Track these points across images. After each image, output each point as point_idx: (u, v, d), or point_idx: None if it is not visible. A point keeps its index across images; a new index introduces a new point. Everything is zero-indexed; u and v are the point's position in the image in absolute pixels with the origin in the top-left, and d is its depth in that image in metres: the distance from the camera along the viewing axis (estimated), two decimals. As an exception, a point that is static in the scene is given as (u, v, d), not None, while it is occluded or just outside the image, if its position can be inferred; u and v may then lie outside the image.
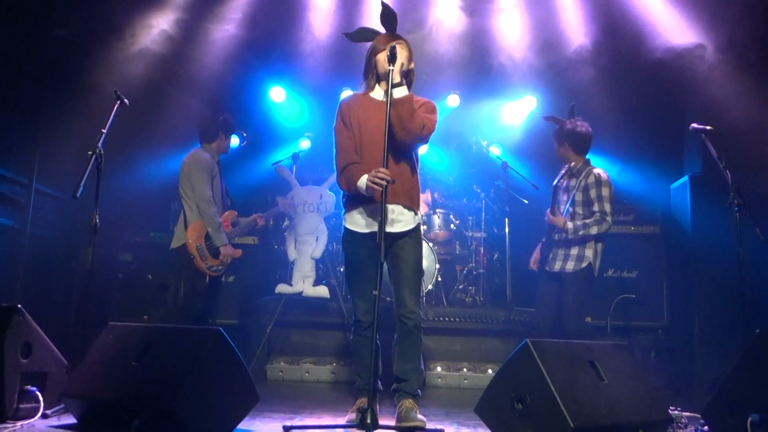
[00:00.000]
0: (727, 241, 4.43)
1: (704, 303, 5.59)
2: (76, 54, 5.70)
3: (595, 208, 4.64)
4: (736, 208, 4.05)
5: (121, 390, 3.09)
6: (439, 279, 6.35)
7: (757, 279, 5.00)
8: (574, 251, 4.70)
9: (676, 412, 4.17)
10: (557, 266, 4.75)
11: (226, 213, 5.30)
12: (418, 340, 3.63)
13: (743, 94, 5.25)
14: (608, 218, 4.62)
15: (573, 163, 4.85)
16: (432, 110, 3.69)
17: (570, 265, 4.69)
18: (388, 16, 3.70)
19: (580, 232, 4.64)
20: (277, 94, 7.16)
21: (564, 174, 4.83)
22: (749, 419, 3.03)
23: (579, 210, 4.75)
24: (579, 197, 4.75)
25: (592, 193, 4.67)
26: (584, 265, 4.67)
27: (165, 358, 3.12)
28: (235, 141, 7.04)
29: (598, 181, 4.67)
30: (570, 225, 4.66)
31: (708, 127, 4.28)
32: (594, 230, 4.61)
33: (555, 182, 4.86)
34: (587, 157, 4.90)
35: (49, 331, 3.56)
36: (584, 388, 3.00)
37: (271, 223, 6.07)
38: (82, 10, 5.44)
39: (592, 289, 4.78)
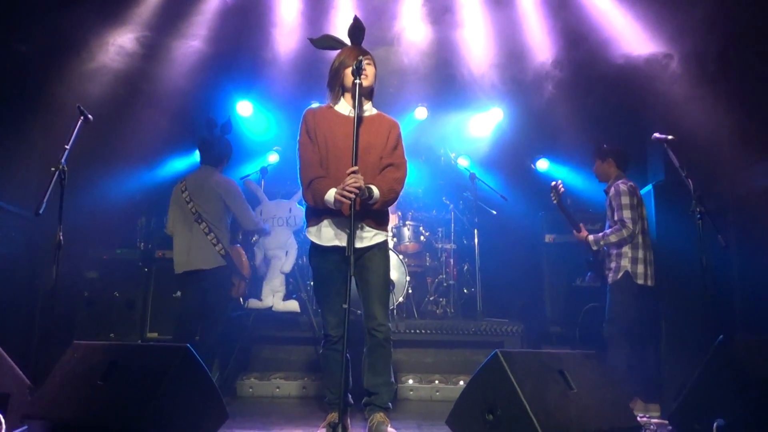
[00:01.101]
0: (690, 247, 4.50)
1: (670, 309, 5.66)
2: (37, 69, 5.63)
3: (615, 217, 4.88)
4: (699, 216, 4.13)
5: (87, 410, 3.01)
6: (410, 291, 6.35)
7: (720, 284, 5.11)
8: (612, 263, 4.96)
9: (644, 418, 4.23)
10: (610, 279, 4.99)
11: None
12: (388, 352, 3.62)
13: (702, 105, 5.37)
14: (628, 225, 4.82)
15: (610, 180, 5.09)
16: (399, 162, 3.69)
17: (610, 277, 4.95)
18: (357, 29, 3.71)
19: (601, 243, 4.94)
20: (244, 108, 7.14)
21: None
22: (715, 424, 3.08)
23: (610, 224, 5.01)
24: (608, 212, 5.03)
25: (614, 204, 4.91)
26: (621, 275, 4.88)
27: (131, 376, 3.06)
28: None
29: (617, 191, 4.91)
30: (591, 237, 5.00)
31: (669, 137, 4.37)
32: (613, 238, 4.87)
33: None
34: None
35: (11, 350, 3.49)
36: (554, 398, 3.02)
37: None
38: (44, 25, 5.36)
39: (631, 296, 4.91)
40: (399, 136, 3.73)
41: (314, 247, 3.68)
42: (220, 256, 4.97)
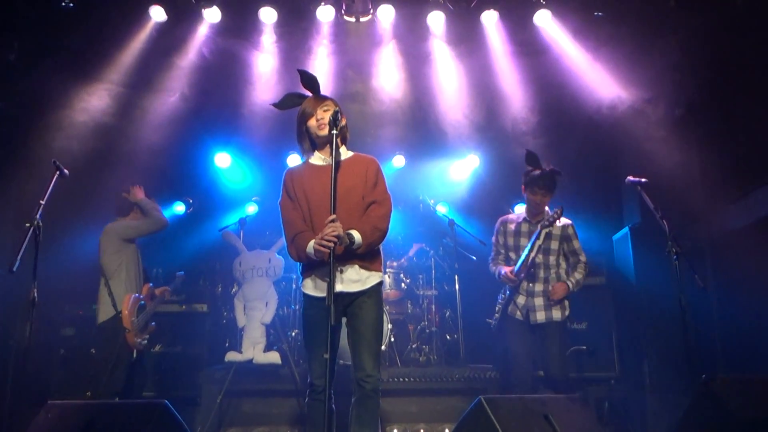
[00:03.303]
0: (669, 288, 4.53)
1: (652, 350, 5.69)
2: (13, 124, 5.61)
3: (581, 257, 4.91)
4: (675, 257, 4.16)
5: (62, 473, 2.93)
6: (392, 339, 6.30)
7: (700, 323, 5.14)
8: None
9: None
10: (541, 317, 4.75)
11: (144, 287, 5.35)
12: (376, 403, 3.55)
13: (674, 148, 5.50)
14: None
15: (544, 212, 4.88)
16: (382, 198, 3.66)
17: (558, 314, 4.74)
18: (308, 81, 3.76)
19: (578, 286, 4.83)
20: (222, 159, 7.16)
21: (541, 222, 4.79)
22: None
23: (567, 261, 4.95)
24: (558, 247, 4.88)
25: (576, 241, 4.91)
26: (567, 312, 4.79)
27: (108, 435, 2.98)
28: (181, 208, 7.03)
29: (573, 228, 4.95)
30: (571, 286, 4.79)
31: (643, 180, 4.44)
32: (582, 280, 4.86)
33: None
34: None
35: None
36: (540, 443, 2.99)
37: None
38: (20, 82, 5.38)
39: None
40: (378, 171, 3.71)
41: (307, 298, 3.64)
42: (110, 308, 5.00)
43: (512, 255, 4.95)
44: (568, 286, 4.77)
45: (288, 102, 3.80)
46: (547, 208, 4.86)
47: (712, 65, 5.08)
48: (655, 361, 5.66)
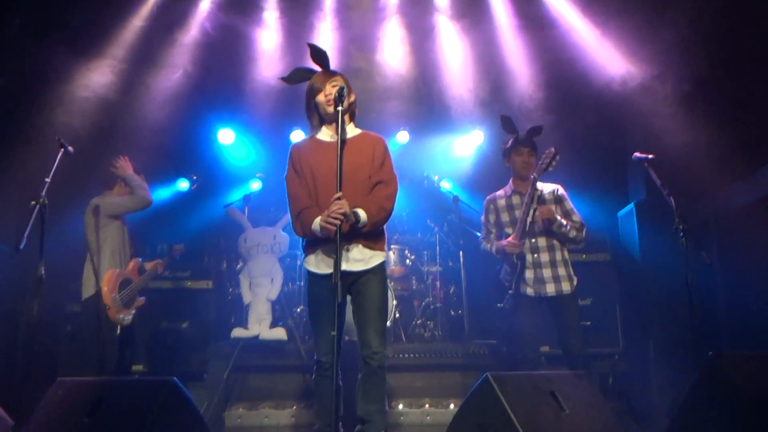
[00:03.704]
0: (674, 265, 4.51)
1: (657, 326, 5.70)
2: (15, 101, 5.57)
3: (573, 216, 4.79)
4: (682, 234, 4.14)
5: (73, 449, 2.96)
6: (398, 315, 6.32)
7: (706, 300, 5.13)
8: (563, 271, 4.69)
9: (636, 437, 4.20)
10: (551, 289, 4.66)
11: (131, 262, 5.29)
12: (382, 380, 3.58)
13: (682, 124, 5.45)
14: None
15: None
16: (388, 178, 3.65)
17: (567, 286, 4.67)
18: (318, 55, 3.73)
19: (566, 228, 4.69)
20: (225, 136, 7.13)
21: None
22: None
23: (562, 221, 4.76)
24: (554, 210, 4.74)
25: (567, 202, 4.85)
26: (575, 283, 4.71)
27: (118, 412, 3.02)
28: (184, 184, 7.02)
29: (563, 191, 4.90)
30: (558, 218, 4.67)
31: (650, 156, 4.40)
32: (575, 234, 4.75)
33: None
34: None
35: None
36: (546, 420, 3.02)
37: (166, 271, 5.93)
38: (22, 57, 5.33)
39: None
40: (385, 151, 3.70)
41: (311, 275, 3.65)
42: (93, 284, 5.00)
43: (509, 230, 4.80)
44: (556, 217, 4.64)
45: (296, 76, 3.77)
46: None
47: (721, 39, 5.01)
48: (659, 337, 5.67)
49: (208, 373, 5.86)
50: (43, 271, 3.69)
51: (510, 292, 4.77)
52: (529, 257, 4.73)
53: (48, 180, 3.78)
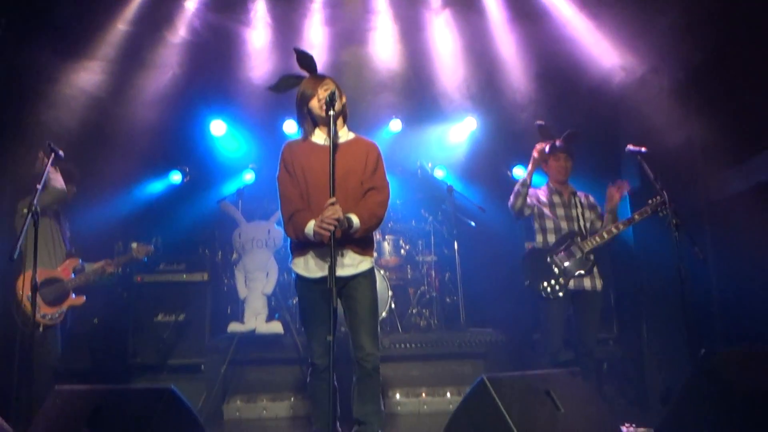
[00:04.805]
0: (668, 254, 4.52)
1: (650, 314, 5.76)
2: (4, 99, 5.50)
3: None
4: (675, 228, 4.14)
5: (73, 459, 2.98)
6: (393, 306, 6.34)
7: (698, 288, 5.17)
8: (596, 269, 4.72)
9: (630, 429, 4.27)
10: (588, 284, 4.68)
11: (67, 261, 5.07)
12: (377, 381, 3.61)
13: (674, 114, 5.44)
14: None
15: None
16: (381, 185, 3.66)
17: (599, 283, 4.71)
18: (304, 60, 3.69)
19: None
20: (217, 127, 7.09)
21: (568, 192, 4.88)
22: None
23: (593, 225, 4.89)
24: (588, 214, 4.88)
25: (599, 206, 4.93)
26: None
27: (117, 421, 3.04)
28: (177, 177, 6.99)
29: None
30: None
31: (643, 149, 4.40)
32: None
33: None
34: None
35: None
36: (542, 420, 3.05)
37: (119, 270, 5.73)
38: (9, 56, 5.26)
39: None
40: (378, 158, 3.70)
41: (302, 279, 3.65)
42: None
43: (548, 211, 4.85)
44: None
45: (284, 84, 3.74)
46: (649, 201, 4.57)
47: (714, 28, 4.98)
48: (652, 324, 5.73)
49: (206, 367, 5.90)
50: (37, 280, 3.67)
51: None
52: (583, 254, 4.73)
53: (39, 187, 3.74)
